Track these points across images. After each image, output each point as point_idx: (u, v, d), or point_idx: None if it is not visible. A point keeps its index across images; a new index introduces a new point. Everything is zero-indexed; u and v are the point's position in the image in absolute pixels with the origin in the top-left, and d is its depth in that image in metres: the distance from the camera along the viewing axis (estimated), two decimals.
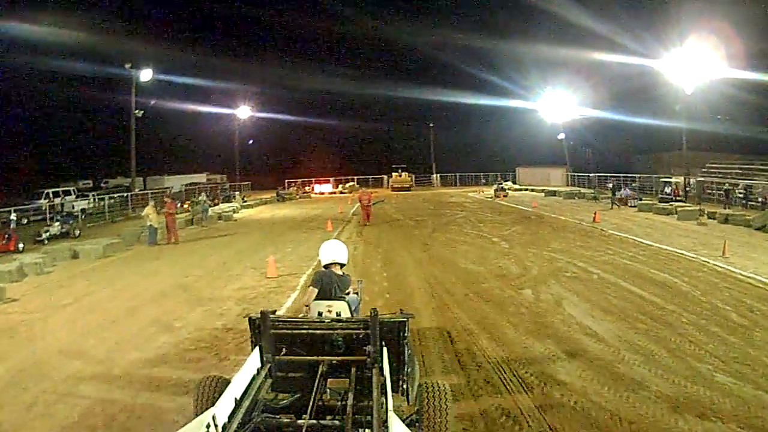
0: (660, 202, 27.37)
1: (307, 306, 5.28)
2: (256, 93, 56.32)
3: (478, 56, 54.72)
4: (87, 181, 50.86)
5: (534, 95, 49.89)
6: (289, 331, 4.43)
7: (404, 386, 4.60)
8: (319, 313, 5.16)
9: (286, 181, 52.48)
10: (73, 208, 29.64)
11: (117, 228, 23.98)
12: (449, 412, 4.14)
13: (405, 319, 4.53)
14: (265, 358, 4.30)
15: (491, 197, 37.42)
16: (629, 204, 27.95)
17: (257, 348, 4.36)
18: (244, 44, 72.42)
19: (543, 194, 39.09)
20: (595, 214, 21.92)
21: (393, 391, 4.13)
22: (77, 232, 21.90)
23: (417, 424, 4.08)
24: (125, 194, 35.42)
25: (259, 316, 4.37)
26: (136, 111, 37.08)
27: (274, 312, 4.55)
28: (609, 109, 46.59)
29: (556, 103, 47.88)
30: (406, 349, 4.55)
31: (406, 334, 4.52)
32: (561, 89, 47.34)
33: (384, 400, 3.46)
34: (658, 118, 41.41)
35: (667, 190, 30.64)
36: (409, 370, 4.64)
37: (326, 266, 5.53)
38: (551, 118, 49.85)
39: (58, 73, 48.10)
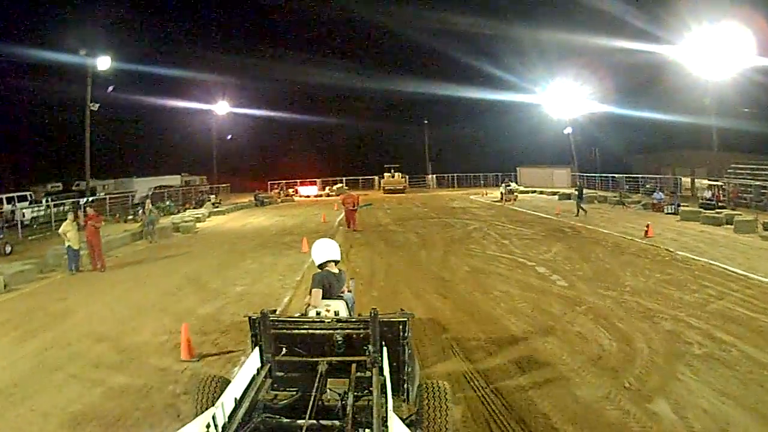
0: (702, 208, 22.54)
1: (308, 305, 5.13)
2: (236, 86, 51.18)
3: (475, 44, 49.27)
4: (57, 183, 45.20)
5: (537, 88, 45.02)
6: (288, 331, 4.36)
7: (404, 386, 4.49)
8: (317, 312, 4.96)
9: (269, 182, 47.26)
10: (24, 216, 25.19)
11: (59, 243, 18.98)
12: (449, 412, 4.08)
13: (405, 319, 4.41)
14: (265, 358, 4.25)
15: (498, 201, 32.45)
16: (666, 210, 23.27)
17: (257, 348, 4.32)
18: (222, 33, 66.21)
19: (556, 197, 34.21)
20: (647, 227, 16.98)
21: (393, 391, 4.05)
22: (8, 249, 17.77)
23: (417, 424, 4.02)
24: (79, 200, 29.85)
25: (259, 315, 4.29)
26: (92, 104, 31.81)
27: (274, 311, 4.47)
28: (619, 104, 41.88)
29: (561, 97, 43.13)
30: (406, 348, 4.43)
31: (406, 334, 4.41)
32: (568, 80, 42.61)
33: (384, 400, 3.43)
34: (676, 113, 36.81)
35: (708, 194, 26.04)
36: (409, 370, 4.51)
37: (320, 266, 5.41)
38: (556, 113, 45.23)
39: (15, 62, 42.46)
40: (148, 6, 57.51)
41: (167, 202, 32.94)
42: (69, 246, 13.97)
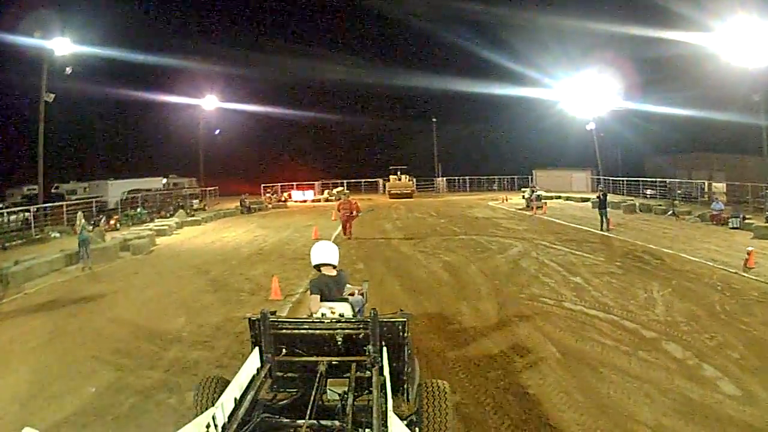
0: None
1: (313, 311, 4.90)
2: (228, 80, 45.86)
3: (488, 34, 44.01)
4: (33, 186, 39.84)
5: (556, 83, 39.63)
6: (288, 331, 4.26)
7: (404, 386, 4.39)
8: (322, 314, 4.75)
9: (263, 185, 41.83)
10: None
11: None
12: (449, 411, 4.01)
13: (405, 319, 4.30)
14: (264, 358, 4.17)
15: (523, 209, 27.07)
16: (731, 225, 18.30)
17: (257, 348, 4.22)
18: (214, 24, 60.30)
19: (587, 204, 28.86)
20: (748, 254, 11.85)
21: (393, 391, 3.97)
22: None
23: (417, 424, 3.95)
24: (36, 207, 24.36)
25: (258, 316, 4.19)
26: (47, 95, 26.35)
27: (273, 312, 4.35)
28: (648, 100, 36.52)
29: (583, 92, 37.76)
30: (405, 348, 4.32)
31: (405, 334, 4.30)
32: (591, 74, 37.19)
33: (384, 400, 3.33)
34: (715, 111, 31.45)
35: None
36: (409, 370, 4.41)
37: (317, 267, 5.28)
38: (576, 110, 39.85)
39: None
40: None
41: (138, 209, 27.59)
42: None
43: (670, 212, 22.41)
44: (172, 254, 16.27)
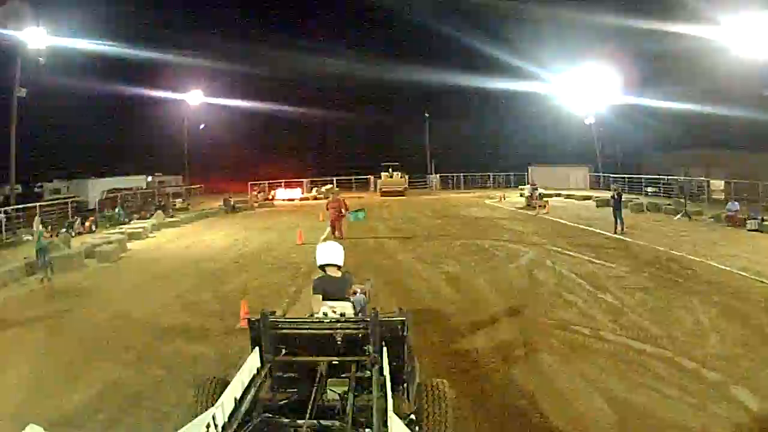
0: None
1: (315, 313, 4.83)
2: (214, 75, 43.87)
3: (482, 25, 42.18)
4: (17, 186, 37.54)
5: (553, 76, 38.05)
6: (288, 331, 4.24)
7: (404, 386, 4.35)
8: (324, 314, 4.70)
9: (250, 183, 39.96)
10: None
11: None
12: (449, 411, 3.96)
13: (404, 318, 4.28)
14: (264, 358, 4.12)
15: (524, 207, 25.46)
16: (749, 227, 16.90)
17: (257, 348, 4.17)
18: (199, 18, 57.81)
19: (590, 202, 27.33)
20: None
21: (393, 391, 3.86)
22: None
23: (417, 423, 3.89)
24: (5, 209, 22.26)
25: (258, 316, 4.18)
26: (19, 89, 24.31)
27: (273, 312, 4.32)
28: (650, 95, 35.02)
29: (581, 85, 36.28)
30: (405, 348, 4.30)
31: (405, 334, 4.27)
32: (590, 66, 35.74)
33: (384, 400, 3.30)
34: (722, 105, 30.00)
35: None
36: (409, 369, 4.39)
37: (321, 267, 5.20)
38: (573, 105, 38.42)
39: None
40: None
41: (117, 210, 25.67)
42: None
43: (682, 212, 20.89)
44: (141, 262, 14.44)
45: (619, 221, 16.51)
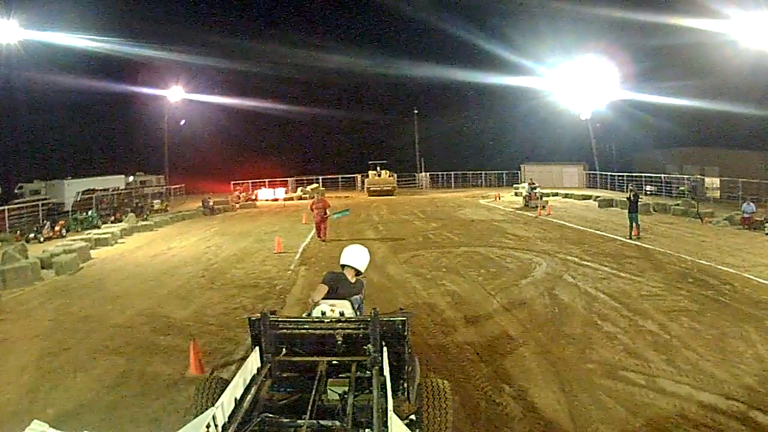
0: None
1: (314, 302, 4.69)
2: (195, 71, 41.63)
3: (472, 17, 40.56)
4: None
5: (546, 71, 36.51)
6: (289, 331, 4.14)
7: (404, 386, 4.25)
8: (322, 312, 4.58)
9: (233, 183, 37.98)
10: None
11: None
12: (449, 411, 3.91)
13: (405, 318, 4.15)
14: (265, 358, 4.04)
15: (521, 208, 23.83)
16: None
17: (257, 348, 4.10)
18: (180, 13, 55.42)
19: (591, 202, 25.84)
20: None
21: (393, 391, 3.82)
22: None
23: (417, 423, 3.83)
24: None
25: (259, 316, 4.06)
26: None
27: (273, 312, 4.20)
28: (649, 90, 33.57)
29: (577, 81, 34.80)
30: (406, 348, 4.19)
31: (406, 334, 4.16)
32: (586, 61, 34.30)
33: (384, 400, 3.23)
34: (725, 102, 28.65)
35: None
36: (409, 369, 4.27)
37: (342, 266, 5.07)
38: (568, 101, 36.96)
39: None
40: None
41: (90, 212, 23.63)
42: None
43: (694, 214, 19.39)
44: (101, 275, 12.47)
45: (635, 225, 14.93)
